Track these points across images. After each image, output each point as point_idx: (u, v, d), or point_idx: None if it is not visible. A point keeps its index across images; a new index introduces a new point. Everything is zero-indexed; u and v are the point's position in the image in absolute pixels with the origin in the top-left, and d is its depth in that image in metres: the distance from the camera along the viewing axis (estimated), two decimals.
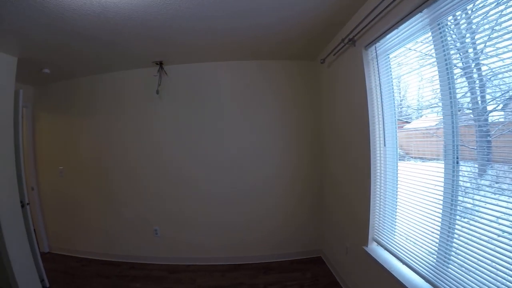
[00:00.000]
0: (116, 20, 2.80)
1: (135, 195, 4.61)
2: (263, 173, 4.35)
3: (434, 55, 1.91)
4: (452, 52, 1.80)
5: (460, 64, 1.78)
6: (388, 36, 2.36)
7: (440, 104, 1.91)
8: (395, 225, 2.52)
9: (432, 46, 1.92)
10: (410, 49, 2.20)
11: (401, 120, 2.53)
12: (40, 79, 4.70)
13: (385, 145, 2.64)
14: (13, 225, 3.49)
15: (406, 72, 2.31)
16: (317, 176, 4.36)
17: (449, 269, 1.84)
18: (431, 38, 1.93)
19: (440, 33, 1.83)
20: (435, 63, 1.90)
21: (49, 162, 5.06)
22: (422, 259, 2.10)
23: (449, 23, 1.82)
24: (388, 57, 2.50)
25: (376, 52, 2.60)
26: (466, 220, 1.76)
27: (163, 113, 4.47)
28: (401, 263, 2.34)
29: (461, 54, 1.77)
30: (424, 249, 2.10)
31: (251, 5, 2.61)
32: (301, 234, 4.38)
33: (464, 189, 1.79)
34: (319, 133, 4.32)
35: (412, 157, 2.43)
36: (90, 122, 4.77)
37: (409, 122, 2.49)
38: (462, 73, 1.76)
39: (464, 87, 1.77)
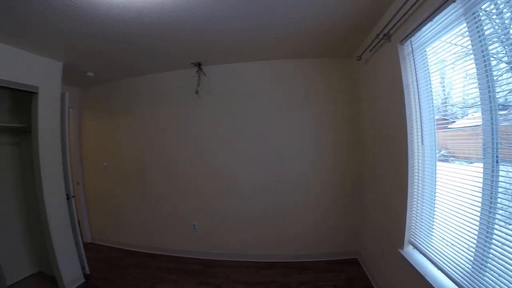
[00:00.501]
0: (153, 26, 2.94)
1: (174, 191, 4.78)
2: (299, 172, 4.31)
3: (470, 47, 1.78)
4: (494, 45, 1.65)
5: (505, 59, 1.63)
6: (423, 29, 2.24)
7: (479, 101, 1.78)
8: (432, 228, 2.39)
9: (468, 38, 1.79)
10: (446, 42, 2.07)
11: (441, 118, 2.39)
12: (85, 81, 5.04)
13: (423, 144, 2.51)
14: (58, 215, 3.81)
15: (442, 67, 2.18)
16: (355, 175, 4.23)
17: (485, 278, 1.72)
18: (466, 29, 1.80)
19: (476, 23, 1.70)
20: (472, 56, 1.77)
21: (94, 159, 5.45)
22: (458, 265, 1.97)
23: (484, 12, 1.68)
24: (425, 52, 2.36)
25: (412, 46, 2.48)
26: (505, 225, 1.62)
27: (201, 112, 4.60)
28: (435, 268, 2.22)
29: (505, 47, 1.61)
30: (461, 254, 1.97)
31: (283, 1, 2.59)
32: (338, 234, 4.29)
33: (505, 192, 1.65)
34: (357, 131, 4.18)
35: (451, 156, 2.29)
36: (131, 121, 5.04)
37: (447, 120, 2.34)
38: (508, 67, 1.60)
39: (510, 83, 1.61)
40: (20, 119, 4.11)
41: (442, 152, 2.36)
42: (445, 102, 2.31)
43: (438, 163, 2.36)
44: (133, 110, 5.04)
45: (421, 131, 2.51)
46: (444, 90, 2.32)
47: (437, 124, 2.37)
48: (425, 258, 2.40)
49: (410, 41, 2.47)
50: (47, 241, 3.72)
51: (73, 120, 5.40)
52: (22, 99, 4.03)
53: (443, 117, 2.35)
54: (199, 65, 4.37)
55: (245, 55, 4.12)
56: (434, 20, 2.05)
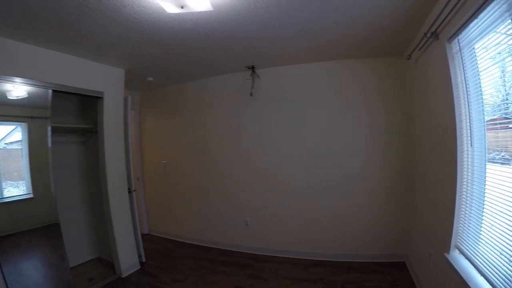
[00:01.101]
0: (208, 34, 3.15)
1: (228, 188, 5.05)
2: (349, 173, 4.29)
3: None
4: None
5: None
6: (470, 26, 2.16)
7: None
8: (480, 234, 2.29)
9: None
10: (496, 38, 1.97)
11: (501, 117, 2.25)
12: (145, 86, 5.52)
13: (471, 145, 2.41)
14: (120, 207, 4.25)
15: (490, 65, 2.08)
16: (405, 177, 4.10)
17: None
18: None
19: None
20: None
21: (153, 157, 5.98)
22: (503, 274, 1.89)
23: None
24: (474, 49, 2.27)
25: (459, 44, 2.40)
26: None
27: (254, 114, 4.79)
28: (479, 275, 2.14)
29: None
30: (508, 263, 1.88)
31: (328, 5, 2.61)
32: (386, 236, 4.20)
33: None
34: (408, 131, 4.05)
35: (502, 158, 2.17)
36: (187, 122, 5.45)
37: (510, 119, 2.18)
38: None
39: None
40: (86, 121, 4.59)
41: (502, 154, 2.24)
42: (506, 100, 2.16)
43: (488, 166, 2.25)
44: (188, 112, 5.44)
45: (471, 132, 2.41)
46: (504, 86, 2.18)
47: (495, 124, 2.24)
48: (470, 264, 2.32)
49: (458, 39, 2.39)
50: (109, 230, 4.16)
51: (134, 121, 5.93)
52: (87, 103, 4.50)
53: (504, 116, 2.20)
54: (252, 68, 4.54)
55: (295, 58, 4.21)
56: (479, 17, 1.98)
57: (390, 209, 4.18)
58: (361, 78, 4.24)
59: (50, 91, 3.43)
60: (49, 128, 3.45)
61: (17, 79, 3.09)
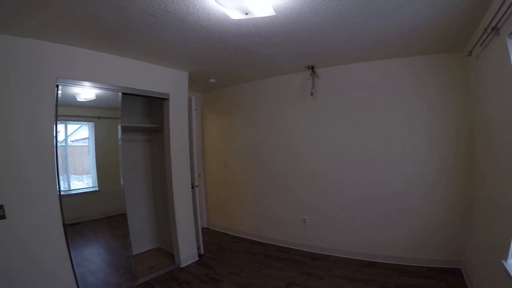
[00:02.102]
0: (269, 37, 3.31)
1: (287, 186, 5.20)
2: (406, 174, 4.23)
3: None
4: None
5: None
6: None
7: None
8: None
9: None
10: None
11: None
12: (207, 87, 5.92)
13: None
14: (183, 201, 4.58)
15: None
16: (462, 181, 3.95)
17: None
18: None
19: None
20: None
21: (214, 154, 6.40)
22: None
23: None
24: None
25: None
26: None
27: (314, 113, 4.89)
28: None
29: None
30: None
31: (390, 3, 2.62)
32: (441, 241, 4.07)
33: None
34: (467, 133, 3.88)
35: None
36: (248, 121, 5.73)
37: None
38: None
39: None
40: (151, 120, 5.02)
41: None
42: None
43: None
44: (248, 111, 5.72)
45: None
46: None
47: None
48: None
49: None
50: (171, 222, 4.50)
51: (196, 121, 6.31)
52: (153, 104, 4.94)
53: None
54: (312, 68, 4.66)
55: (355, 57, 4.26)
56: None
57: (446, 214, 4.04)
58: (420, 75, 4.14)
59: (120, 93, 3.81)
60: (119, 127, 3.84)
61: (88, 83, 3.50)
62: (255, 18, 2.75)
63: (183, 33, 3.11)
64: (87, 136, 3.76)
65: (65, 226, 3.21)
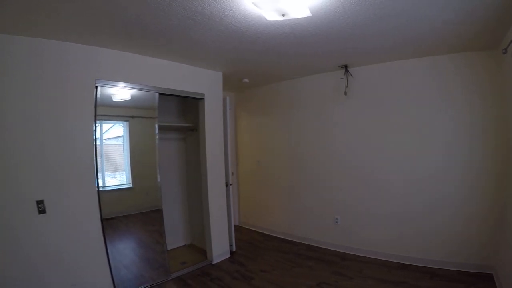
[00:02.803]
0: (304, 37, 3.34)
1: (320, 185, 5.22)
2: (439, 175, 4.13)
3: None
4: None
5: None
6: None
7: None
8: None
9: None
10: None
11: None
12: (240, 86, 6.06)
13: None
14: (218, 199, 4.71)
15: None
16: (499, 184, 3.78)
17: None
18: None
19: None
20: None
21: (247, 152, 6.54)
22: None
23: None
24: None
25: None
26: None
27: (348, 112, 4.87)
28: None
29: None
30: None
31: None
32: (475, 245, 3.94)
33: None
34: (506, 134, 3.71)
35: None
36: (281, 120, 5.79)
37: None
38: None
39: None
40: (186, 119, 5.17)
41: None
42: None
43: None
44: (280, 111, 5.77)
45: None
46: None
47: None
48: None
49: None
50: (205, 219, 4.64)
51: (230, 120, 6.39)
52: (187, 103, 5.10)
53: None
54: (346, 67, 4.65)
55: (389, 55, 4.20)
56: None
57: (479, 217, 3.91)
58: (455, 73, 4.02)
59: (156, 94, 3.93)
60: (157, 126, 3.98)
61: (125, 84, 3.67)
62: (290, 19, 2.76)
63: (219, 35, 3.19)
64: (120, 134, 3.92)
65: (102, 220, 3.38)
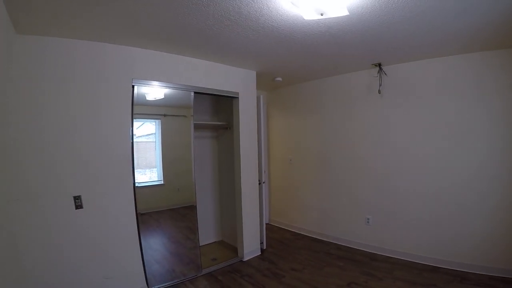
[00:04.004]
0: (339, 35, 3.36)
1: (353, 184, 5.21)
2: (472, 178, 4.05)
3: None
4: None
5: None
6: None
7: None
8: None
9: None
10: None
11: None
12: (272, 85, 6.12)
13: None
14: (251, 197, 4.82)
15: None
16: None
17: None
18: None
19: None
20: None
21: (279, 150, 6.59)
22: None
23: None
24: None
25: None
26: None
27: (382, 111, 4.83)
28: None
29: None
30: None
31: None
32: (506, 249, 3.84)
33: None
34: None
35: None
36: (313, 118, 5.81)
37: None
38: None
39: None
40: (218, 118, 5.31)
41: None
42: None
43: None
44: (314, 109, 5.79)
45: None
46: None
47: None
48: None
49: None
50: (238, 217, 4.75)
51: (263, 118, 6.43)
52: (219, 102, 5.24)
53: None
54: (379, 65, 4.62)
55: (425, 53, 4.14)
56: None
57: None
58: (496, 71, 3.87)
59: (192, 93, 4.06)
60: (193, 125, 4.11)
61: (161, 83, 3.79)
62: (327, 18, 2.77)
63: (255, 34, 3.25)
64: (152, 132, 4.05)
65: (137, 214, 3.52)
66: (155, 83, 3.71)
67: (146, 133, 4.02)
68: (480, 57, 3.97)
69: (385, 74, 4.66)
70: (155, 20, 2.82)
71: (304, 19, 2.80)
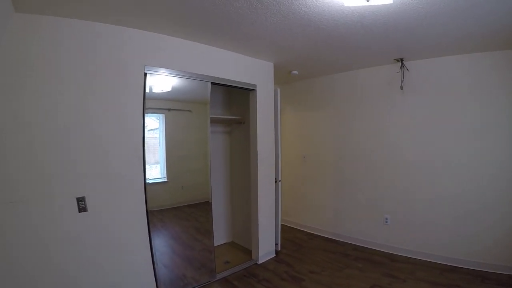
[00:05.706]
0: (371, 27, 3.22)
1: (369, 182, 5.11)
2: (496, 177, 3.98)
3: None
4: None
5: None
6: None
7: None
8: None
9: None
10: None
11: None
12: (286, 79, 5.97)
13: None
14: (267, 195, 4.64)
15: None
16: None
17: None
18: None
19: None
20: None
21: (291, 147, 6.40)
22: None
23: None
24: None
25: None
26: None
27: (403, 107, 4.72)
28: None
29: None
30: None
31: None
32: None
33: None
34: None
35: None
36: (328, 114, 5.68)
37: None
38: None
39: None
40: (231, 112, 5.13)
41: None
42: None
43: None
44: (330, 104, 5.66)
45: None
46: None
47: None
48: None
49: None
50: (253, 217, 4.56)
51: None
52: (232, 95, 5.06)
53: None
54: (401, 60, 4.51)
55: (448, 49, 4.04)
56: None
57: None
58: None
59: (209, 83, 3.84)
60: (209, 119, 3.90)
61: (176, 72, 3.51)
62: (362, 6, 2.65)
63: (283, 20, 3.06)
64: (156, 127, 3.79)
65: (148, 212, 3.27)
66: (170, 71, 3.43)
67: (151, 128, 3.76)
68: (505, 56, 3.89)
69: (407, 69, 4.54)
70: (175, 3, 2.60)
71: (337, 7, 2.68)
